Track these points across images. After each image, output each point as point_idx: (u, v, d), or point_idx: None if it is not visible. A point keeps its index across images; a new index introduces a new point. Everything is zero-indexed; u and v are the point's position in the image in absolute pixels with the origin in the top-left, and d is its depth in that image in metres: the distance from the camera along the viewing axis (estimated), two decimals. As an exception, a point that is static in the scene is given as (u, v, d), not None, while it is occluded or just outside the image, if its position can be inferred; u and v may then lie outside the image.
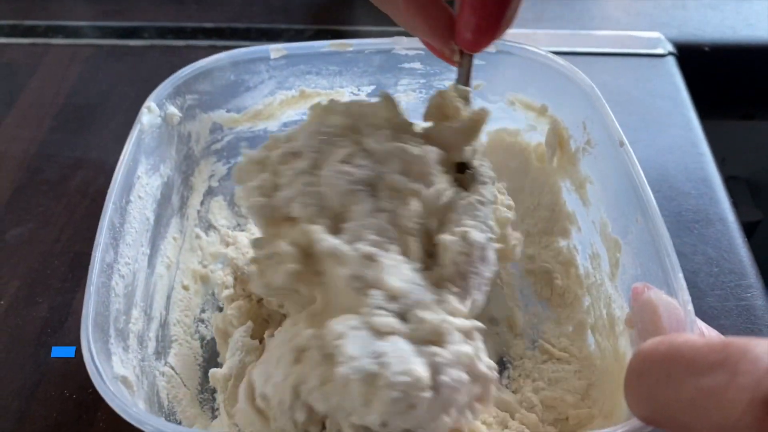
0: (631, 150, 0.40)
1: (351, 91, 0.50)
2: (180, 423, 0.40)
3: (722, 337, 0.32)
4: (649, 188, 0.38)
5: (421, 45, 0.47)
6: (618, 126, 0.41)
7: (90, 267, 0.36)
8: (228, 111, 0.49)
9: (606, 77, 0.67)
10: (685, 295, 0.33)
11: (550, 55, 0.46)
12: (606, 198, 0.43)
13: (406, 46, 0.48)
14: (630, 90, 0.66)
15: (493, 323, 0.45)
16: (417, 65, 0.49)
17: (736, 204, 0.84)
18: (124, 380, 0.35)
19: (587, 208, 0.45)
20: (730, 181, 0.85)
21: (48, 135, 0.62)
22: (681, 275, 0.34)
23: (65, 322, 0.49)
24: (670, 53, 0.69)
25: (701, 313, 0.48)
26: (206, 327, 0.47)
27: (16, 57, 0.70)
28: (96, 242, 0.38)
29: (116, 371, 0.35)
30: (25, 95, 0.66)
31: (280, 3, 0.75)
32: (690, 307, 0.33)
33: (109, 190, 0.40)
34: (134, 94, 0.66)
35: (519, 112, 0.49)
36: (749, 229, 0.81)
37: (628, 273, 0.39)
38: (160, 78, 0.68)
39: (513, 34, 0.78)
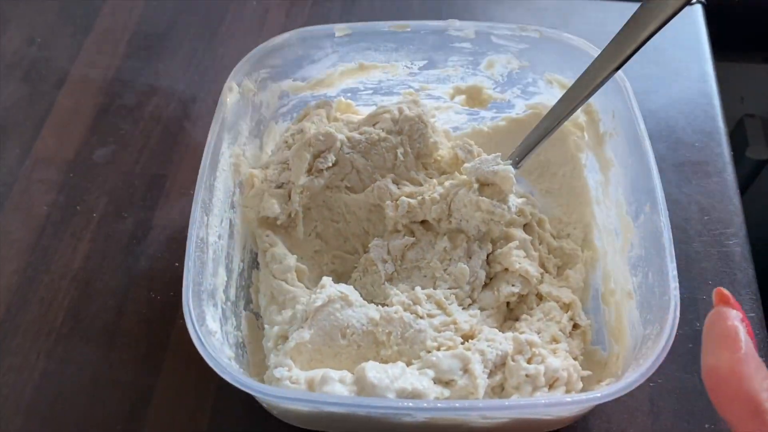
0: (650, 146, 0.47)
1: (405, 64, 0.56)
2: (248, 364, 0.48)
3: None
4: (660, 183, 0.45)
5: (470, 27, 0.54)
6: (643, 124, 0.48)
7: (187, 245, 0.43)
8: (294, 80, 0.56)
9: (634, 24, 0.71)
10: (675, 282, 0.41)
11: (589, 44, 0.51)
12: (624, 182, 0.49)
13: (458, 28, 0.54)
14: (654, 38, 0.71)
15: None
16: (467, 45, 0.55)
17: (749, 141, 0.89)
18: (215, 334, 0.43)
19: (608, 187, 0.52)
20: (746, 118, 0.90)
21: (122, 62, 0.70)
22: (674, 264, 0.42)
23: (147, 234, 0.58)
24: (699, 1, 0.73)
25: (687, 256, 0.56)
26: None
27: (88, -19, 0.76)
28: (191, 221, 0.44)
29: (210, 327, 0.43)
30: (100, 21, 0.73)
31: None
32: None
33: (199, 174, 0.46)
34: (197, 23, 0.73)
35: (556, 90, 0.55)
36: (758, 167, 0.87)
37: (635, 251, 0.47)
38: (219, 8, 0.74)
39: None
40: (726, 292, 0.37)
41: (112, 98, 0.67)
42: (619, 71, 0.47)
